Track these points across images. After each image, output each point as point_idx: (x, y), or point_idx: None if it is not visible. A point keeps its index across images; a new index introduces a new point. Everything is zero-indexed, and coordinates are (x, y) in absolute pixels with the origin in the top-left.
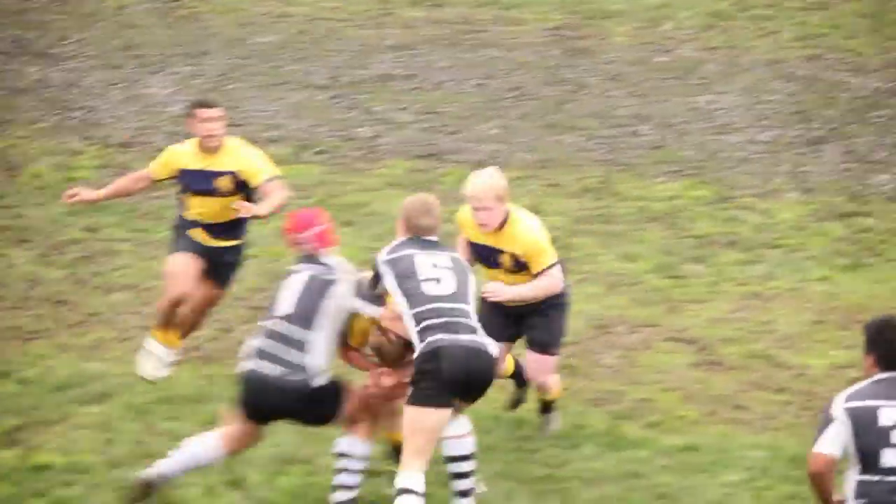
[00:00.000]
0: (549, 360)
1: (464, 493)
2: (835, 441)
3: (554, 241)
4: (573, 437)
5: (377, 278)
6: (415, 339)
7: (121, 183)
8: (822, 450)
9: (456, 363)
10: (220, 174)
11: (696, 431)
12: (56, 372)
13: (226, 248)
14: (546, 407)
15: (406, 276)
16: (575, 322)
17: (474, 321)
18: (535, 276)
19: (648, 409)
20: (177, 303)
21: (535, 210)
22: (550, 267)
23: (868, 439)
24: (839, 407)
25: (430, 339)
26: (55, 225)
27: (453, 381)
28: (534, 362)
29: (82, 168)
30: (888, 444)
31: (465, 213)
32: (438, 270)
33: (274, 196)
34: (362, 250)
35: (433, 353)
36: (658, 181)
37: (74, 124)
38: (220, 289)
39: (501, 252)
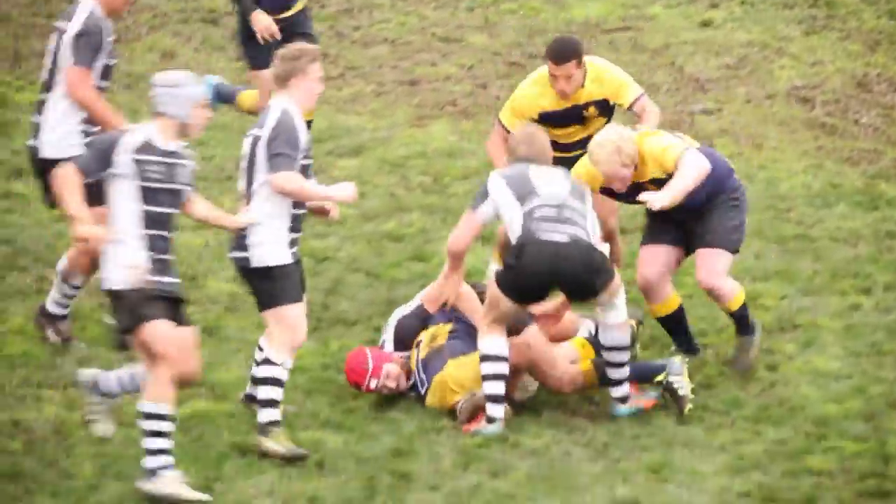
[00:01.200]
0: (714, 255)
1: (616, 382)
2: None
3: (814, 0)
4: (827, 196)
5: (485, 195)
6: (515, 232)
7: (497, 153)
8: None
9: (539, 260)
10: (588, 105)
11: None
12: (314, 124)
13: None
14: (741, 323)
15: (519, 184)
16: (833, 80)
17: (582, 219)
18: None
19: None
20: None
21: None
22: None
23: None
24: None
25: (522, 232)
26: None
27: (536, 277)
28: (700, 260)
29: None
30: None
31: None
32: (553, 173)
33: (651, 114)
34: (618, 6)
35: (519, 249)
36: None
37: None
38: None
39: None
